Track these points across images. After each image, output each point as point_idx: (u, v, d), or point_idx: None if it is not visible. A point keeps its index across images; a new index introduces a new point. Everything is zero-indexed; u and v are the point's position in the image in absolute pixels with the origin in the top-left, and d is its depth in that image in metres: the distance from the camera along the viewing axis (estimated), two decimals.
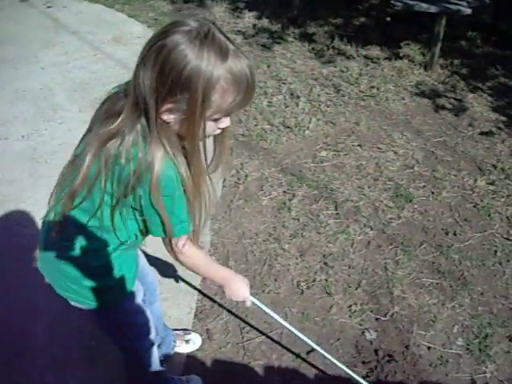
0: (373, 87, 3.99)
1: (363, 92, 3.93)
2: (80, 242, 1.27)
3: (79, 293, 1.34)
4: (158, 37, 1.03)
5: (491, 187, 2.98)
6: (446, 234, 2.67)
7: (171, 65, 1.00)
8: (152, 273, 1.77)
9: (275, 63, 4.39)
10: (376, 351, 2.09)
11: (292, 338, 2.12)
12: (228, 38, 1.05)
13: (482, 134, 3.50)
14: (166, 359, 1.94)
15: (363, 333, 2.17)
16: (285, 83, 4.02)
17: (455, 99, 3.90)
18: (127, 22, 5.28)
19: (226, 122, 1.15)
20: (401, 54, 4.47)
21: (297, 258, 2.51)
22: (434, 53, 4.20)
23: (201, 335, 2.13)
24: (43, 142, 3.36)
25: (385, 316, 2.24)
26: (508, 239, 2.63)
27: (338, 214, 2.78)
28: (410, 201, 2.87)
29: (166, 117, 1.08)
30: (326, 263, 2.48)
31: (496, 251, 2.57)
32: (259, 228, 2.69)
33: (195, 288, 2.34)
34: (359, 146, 3.33)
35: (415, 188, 2.97)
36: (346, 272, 2.44)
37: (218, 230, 2.66)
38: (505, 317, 2.24)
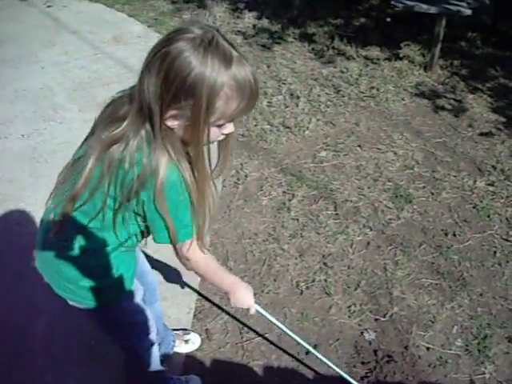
0: (373, 88, 3.99)
1: (363, 92, 3.94)
2: (79, 242, 1.27)
3: (76, 293, 1.34)
4: (162, 44, 1.04)
5: (491, 188, 2.98)
6: (446, 234, 2.67)
7: (176, 72, 1.01)
8: (152, 273, 1.77)
9: (275, 63, 4.39)
10: (375, 352, 2.10)
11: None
12: (232, 45, 1.06)
13: (481, 134, 3.50)
14: (165, 359, 1.94)
15: (362, 333, 2.17)
16: (285, 83, 4.02)
17: (455, 100, 3.90)
18: (127, 22, 5.29)
19: (229, 128, 1.15)
20: (401, 55, 4.47)
21: (296, 259, 2.51)
22: (433, 53, 4.20)
23: (200, 335, 2.14)
24: (43, 142, 3.36)
25: (384, 316, 2.24)
26: (507, 240, 2.64)
27: (337, 214, 2.78)
28: (410, 201, 2.87)
29: (170, 123, 1.09)
30: (325, 263, 2.49)
31: (495, 252, 2.57)
32: (259, 228, 2.69)
33: (195, 290, 2.34)
34: (359, 146, 3.34)
35: (415, 189, 2.98)
36: (345, 272, 2.45)
37: (217, 230, 2.66)
38: (504, 318, 2.24)
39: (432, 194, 2.94)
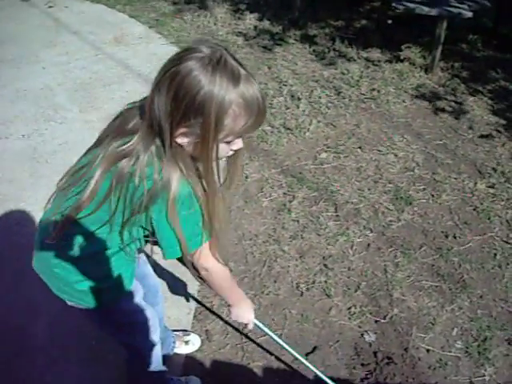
0: (373, 90, 4.00)
1: (364, 94, 3.94)
2: (80, 246, 1.28)
3: (73, 294, 1.35)
4: (171, 63, 1.06)
5: (491, 190, 2.98)
6: (446, 236, 2.67)
7: (185, 90, 1.03)
8: (154, 275, 1.77)
9: (276, 65, 4.40)
10: (375, 353, 2.09)
11: (291, 340, 2.12)
12: (240, 64, 1.08)
13: (482, 137, 3.50)
14: (165, 360, 1.93)
15: (362, 335, 2.17)
16: (285, 85, 4.03)
17: (456, 102, 3.91)
18: (128, 23, 5.30)
19: (238, 144, 1.18)
20: (402, 57, 4.48)
21: (296, 260, 2.51)
22: (434, 56, 4.21)
23: (200, 336, 2.14)
24: (44, 142, 3.37)
25: (384, 318, 2.24)
26: (507, 242, 2.64)
27: (337, 216, 2.78)
28: (410, 203, 2.87)
29: (180, 140, 1.11)
30: (325, 265, 2.48)
31: (495, 254, 2.57)
32: (259, 229, 2.69)
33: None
34: (359, 148, 3.34)
35: (415, 191, 2.98)
36: (345, 274, 2.45)
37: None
38: (504, 320, 2.24)
39: (432, 196, 2.94)
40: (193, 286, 2.35)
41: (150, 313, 1.52)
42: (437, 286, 2.39)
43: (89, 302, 1.35)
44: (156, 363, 1.64)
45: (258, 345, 2.11)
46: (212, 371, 2.03)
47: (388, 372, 2.02)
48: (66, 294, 1.35)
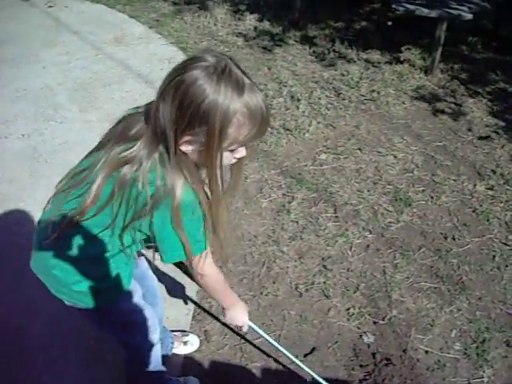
0: (373, 91, 4.00)
1: (363, 96, 3.94)
2: (79, 248, 1.28)
3: (71, 295, 1.35)
4: (176, 72, 1.07)
5: (490, 192, 2.99)
6: (445, 238, 2.68)
7: (190, 99, 1.04)
8: (153, 276, 1.78)
9: (276, 66, 4.40)
10: (374, 355, 2.10)
11: (290, 341, 2.12)
12: (244, 73, 1.09)
13: (481, 138, 3.51)
14: (163, 360, 1.93)
15: (361, 336, 2.17)
16: (285, 86, 4.03)
17: (455, 104, 3.91)
18: (128, 23, 5.30)
19: (241, 152, 1.19)
20: (401, 59, 4.48)
21: (295, 261, 2.51)
22: (434, 57, 4.21)
23: (199, 337, 2.14)
24: (43, 142, 3.37)
25: (383, 320, 2.24)
26: (506, 244, 2.64)
27: (337, 217, 2.79)
28: (409, 205, 2.87)
29: (184, 147, 1.11)
30: (324, 266, 2.49)
31: (494, 256, 2.57)
32: (258, 230, 2.70)
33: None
34: (359, 149, 3.34)
35: (414, 192, 2.98)
36: (344, 275, 2.45)
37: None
38: (502, 322, 2.24)
39: (431, 197, 2.94)
40: (192, 288, 2.35)
41: (149, 312, 1.52)
42: (436, 288, 2.39)
43: (87, 303, 1.35)
44: (155, 363, 1.65)
45: (257, 346, 2.11)
46: (210, 372, 2.03)
47: (386, 373, 2.02)
48: (65, 295, 1.36)
